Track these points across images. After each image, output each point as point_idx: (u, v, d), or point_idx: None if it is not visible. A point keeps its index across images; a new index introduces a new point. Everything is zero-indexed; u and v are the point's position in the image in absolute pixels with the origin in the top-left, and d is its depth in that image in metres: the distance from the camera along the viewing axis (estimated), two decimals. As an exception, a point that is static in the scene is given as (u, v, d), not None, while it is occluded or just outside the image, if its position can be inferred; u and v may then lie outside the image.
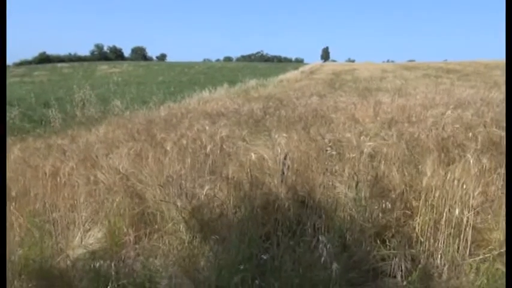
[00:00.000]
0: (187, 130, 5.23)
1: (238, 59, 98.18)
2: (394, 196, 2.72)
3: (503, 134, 4.07)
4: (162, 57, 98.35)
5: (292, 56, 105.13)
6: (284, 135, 4.31)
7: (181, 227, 2.69)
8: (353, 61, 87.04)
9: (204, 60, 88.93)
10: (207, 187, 2.91)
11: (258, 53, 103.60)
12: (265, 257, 1.89)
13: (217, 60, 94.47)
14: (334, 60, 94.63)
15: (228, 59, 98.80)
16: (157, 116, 7.72)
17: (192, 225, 2.63)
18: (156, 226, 2.80)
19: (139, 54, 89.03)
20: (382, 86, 14.55)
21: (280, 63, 74.71)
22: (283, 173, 2.85)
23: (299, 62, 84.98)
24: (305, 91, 12.67)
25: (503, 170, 3.27)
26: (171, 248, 2.58)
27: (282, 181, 2.71)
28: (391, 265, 2.23)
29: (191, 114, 7.57)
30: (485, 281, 2.22)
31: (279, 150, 3.71)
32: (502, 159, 3.56)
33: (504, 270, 2.34)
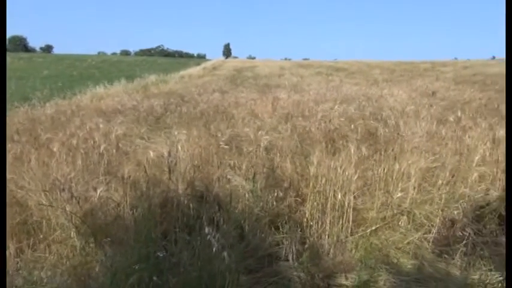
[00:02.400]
0: (78, 129, 4.82)
1: (136, 53, 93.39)
2: (286, 185, 2.93)
3: (378, 127, 4.68)
4: (48, 48, 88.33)
5: (194, 52, 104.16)
6: (184, 131, 4.28)
7: (72, 233, 2.49)
8: (254, 58, 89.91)
9: (99, 53, 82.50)
10: (100, 189, 2.74)
11: (158, 47, 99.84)
12: (161, 255, 1.87)
13: (114, 53, 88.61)
14: (235, 57, 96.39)
15: (125, 53, 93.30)
16: (43, 114, 6.93)
17: (84, 230, 2.46)
18: (42, 235, 2.55)
19: (19, 44, 78.31)
20: (280, 83, 15.27)
21: (181, 58, 73.23)
22: (170, 169, 2.84)
23: (201, 57, 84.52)
24: (207, 87, 12.65)
25: (377, 157, 3.76)
26: (60, 258, 2.38)
27: (170, 178, 2.70)
28: (284, 249, 2.41)
29: (83, 111, 6.98)
30: (363, 253, 2.55)
31: (179, 147, 3.68)
32: (377, 147, 4.09)
33: (378, 243, 2.72)
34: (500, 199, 2.90)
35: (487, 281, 2.24)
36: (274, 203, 2.74)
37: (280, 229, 2.64)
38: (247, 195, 2.74)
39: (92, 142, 4.09)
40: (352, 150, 3.41)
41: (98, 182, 3.02)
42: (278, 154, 3.64)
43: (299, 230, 2.62)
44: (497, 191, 3.08)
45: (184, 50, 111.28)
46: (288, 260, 2.39)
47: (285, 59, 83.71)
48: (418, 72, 24.76)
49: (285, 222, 2.65)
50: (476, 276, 2.31)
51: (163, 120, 6.41)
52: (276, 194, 2.72)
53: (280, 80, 17.30)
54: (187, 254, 2.08)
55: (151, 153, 3.53)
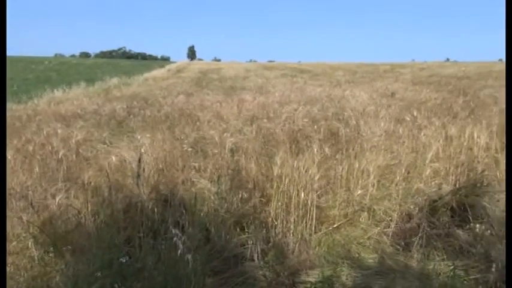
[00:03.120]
0: (34, 135, 4.62)
1: (97, 55, 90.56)
2: (251, 186, 2.97)
3: (339, 127, 4.82)
4: None
5: (158, 54, 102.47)
6: (148, 135, 4.23)
7: (29, 243, 2.40)
8: (219, 60, 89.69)
9: (56, 55, 79.11)
10: (59, 196, 2.65)
11: (120, 49, 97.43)
12: (124, 260, 1.84)
13: (72, 55, 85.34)
14: (201, 59, 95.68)
15: (85, 55, 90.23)
16: (-5, 119, 6.57)
17: (43, 240, 2.37)
18: (-4, 247, 2.42)
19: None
20: (245, 85, 15.34)
21: (145, 60, 71.74)
22: (139, 175, 2.80)
23: (165, 60, 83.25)
24: (172, 90, 12.49)
25: (339, 156, 3.87)
26: (17, 269, 2.28)
27: (137, 184, 2.66)
28: (250, 249, 2.44)
29: (40, 116, 6.69)
30: (327, 249, 2.63)
31: (143, 151, 3.62)
32: (339, 146, 4.22)
33: (341, 239, 2.81)
34: (452, 193, 3.09)
35: (440, 270, 2.38)
36: (240, 204, 2.77)
37: (246, 229, 2.67)
38: (212, 197, 2.76)
39: (50, 148, 3.94)
40: (315, 150, 3.50)
41: (57, 189, 2.91)
42: (243, 156, 3.67)
43: (264, 229, 2.67)
44: (449, 185, 3.28)
45: (148, 52, 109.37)
46: (253, 260, 2.42)
47: (250, 61, 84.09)
48: (378, 73, 25.64)
49: (250, 223, 2.69)
50: (431, 267, 2.45)
51: (126, 124, 6.28)
52: (240, 195, 2.75)
53: (246, 82, 17.37)
54: (151, 258, 2.07)
55: (114, 158, 3.45)
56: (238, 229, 2.66)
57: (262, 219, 2.76)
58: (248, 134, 4.66)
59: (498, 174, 3.55)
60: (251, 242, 2.46)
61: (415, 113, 5.86)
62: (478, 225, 2.56)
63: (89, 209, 2.59)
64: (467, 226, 2.69)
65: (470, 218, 2.79)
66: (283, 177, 2.81)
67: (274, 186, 2.81)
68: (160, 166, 3.48)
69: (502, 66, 26.99)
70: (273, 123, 5.28)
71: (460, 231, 2.66)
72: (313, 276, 2.37)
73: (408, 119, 5.50)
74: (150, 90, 12.77)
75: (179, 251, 1.91)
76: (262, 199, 2.91)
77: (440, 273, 2.36)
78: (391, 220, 2.90)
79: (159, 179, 3.05)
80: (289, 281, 2.31)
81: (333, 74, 26.66)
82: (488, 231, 2.45)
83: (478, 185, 3.12)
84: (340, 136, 4.55)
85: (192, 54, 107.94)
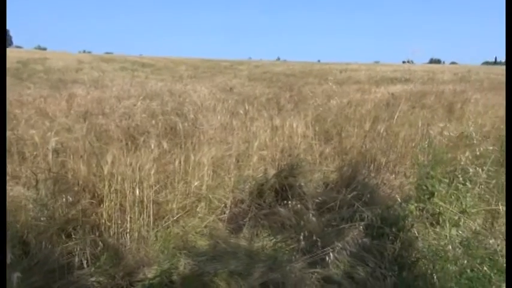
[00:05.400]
0: None
1: None
2: (78, 188, 2.74)
3: (178, 121, 4.87)
4: None
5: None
6: None
7: None
8: (44, 49, 78.04)
9: None
10: None
11: None
12: None
13: None
14: (19, 47, 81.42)
15: None
16: None
17: None
18: None
19: None
20: (78, 78, 13.99)
21: None
22: None
23: (-31, 45, 67.42)
24: (-23, 82, 10.31)
25: (177, 150, 3.93)
26: None
27: None
28: (78, 256, 2.26)
29: None
30: (164, 243, 2.65)
31: None
32: (177, 140, 4.27)
33: (179, 231, 2.87)
34: (275, 176, 3.52)
35: (266, 245, 2.71)
36: (65, 209, 2.51)
37: (73, 236, 2.45)
38: (30, 205, 2.42)
39: None
40: (153, 146, 3.45)
41: None
42: (71, 156, 3.33)
43: (97, 233, 2.50)
44: (273, 169, 3.72)
45: None
46: (83, 267, 2.25)
47: (84, 51, 75.91)
48: (219, 69, 26.91)
49: (79, 228, 2.48)
50: (259, 244, 2.75)
51: None
52: (65, 199, 2.50)
53: (78, 74, 15.82)
54: None
55: None
56: (64, 237, 2.41)
57: (93, 223, 2.57)
58: (78, 132, 4.25)
59: (311, 157, 4.24)
60: (79, 248, 2.27)
61: (248, 107, 6.40)
62: (290, 202, 2.99)
63: None
64: (287, 203, 3.11)
65: (290, 195, 3.24)
66: (116, 176, 2.68)
67: (106, 186, 2.66)
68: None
69: (320, 66, 32.06)
70: (109, 119, 4.96)
71: (281, 209, 3.05)
72: (151, 272, 2.36)
73: (242, 112, 5.96)
74: None
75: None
76: (93, 201, 2.71)
77: (266, 248, 2.68)
78: (225, 206, 3.12)
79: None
80: (125, 281, 2.24)
81: (175, 68, 26.67)
82: (299, 205, 2.90)
83: (295, 167, 3.64)
84: (178, 130, 4.60)
85: (7, 40, 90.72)
